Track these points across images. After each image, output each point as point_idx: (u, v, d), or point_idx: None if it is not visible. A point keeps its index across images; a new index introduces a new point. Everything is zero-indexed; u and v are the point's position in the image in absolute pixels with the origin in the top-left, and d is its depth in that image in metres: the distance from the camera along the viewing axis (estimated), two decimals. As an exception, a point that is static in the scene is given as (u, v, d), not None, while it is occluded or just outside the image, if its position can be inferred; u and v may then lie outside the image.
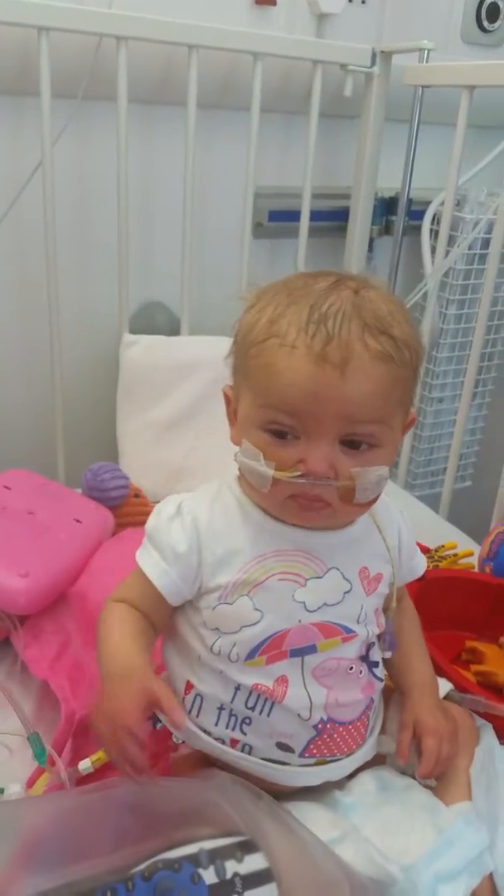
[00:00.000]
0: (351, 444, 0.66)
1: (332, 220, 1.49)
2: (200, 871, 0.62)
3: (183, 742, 0.78)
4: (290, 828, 0.71)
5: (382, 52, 1.32)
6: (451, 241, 1.49)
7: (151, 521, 0.75)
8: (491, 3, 1.45)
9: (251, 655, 0.70)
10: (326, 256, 1.50)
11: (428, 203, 1.51)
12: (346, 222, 1.50)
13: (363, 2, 1.36)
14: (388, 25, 1.39)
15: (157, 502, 0.79)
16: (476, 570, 1.17)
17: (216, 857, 0.63)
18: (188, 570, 0.72)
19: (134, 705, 0.64)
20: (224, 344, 1.42)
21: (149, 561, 0.73)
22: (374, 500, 0.70)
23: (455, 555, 1.21)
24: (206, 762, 0.79)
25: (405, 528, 0.81)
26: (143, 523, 1.14)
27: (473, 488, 1.81)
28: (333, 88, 1.35)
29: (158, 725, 0.78)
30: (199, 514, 0.74)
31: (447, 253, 1.37)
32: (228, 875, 0.62)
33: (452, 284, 1.58)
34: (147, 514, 1.15)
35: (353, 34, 1.35)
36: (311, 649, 0.71)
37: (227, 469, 0.74)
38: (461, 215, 1.50)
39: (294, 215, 1.44)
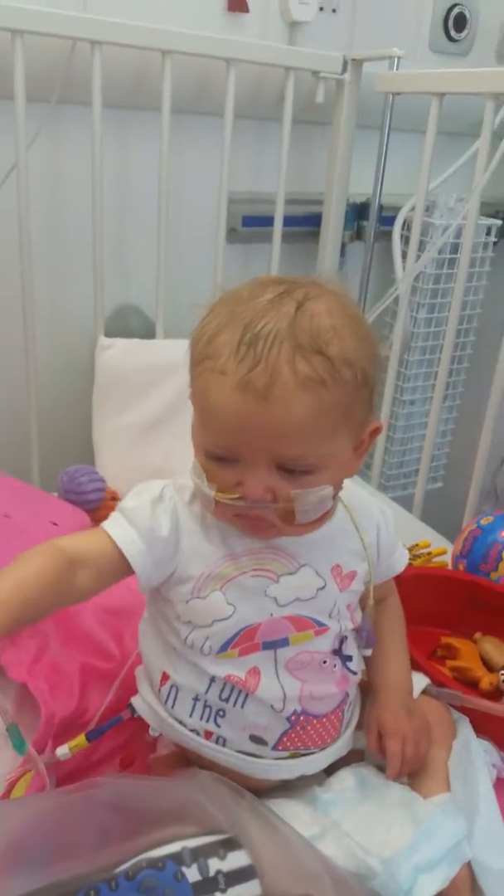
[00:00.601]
0: (287, 469, 0.65)
1: (305, 225, 1.51)
2: (184, 869, 0.62)
3: (159, 735, 0.79)
4: (271, 825, 0.72)
5: (353, 59, 1.34)
6: (422, 246, 1.51)
7: (130, 501, 0.74)
8: (458, 13, 1.48)
9: (224, 648, 0.71)
10: (299, 262, 1.52)
11: (398, 209, 1.53)
12: (319, 228, 1.52)
13: (334, 10, 1.38)
14: (358, 34, 1.42)
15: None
16: (450, 567, 1.19)
17: (199, 854, 0.63)
18: (164, 556, 0.71)
19: None
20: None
21: (125, 536, 0.71)
22: (324, 519, 0.71)
23: (429, 553, 1.23)
24: (184, 762, 0.80)
25: (384, 527, 0.81)
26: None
27: (444, 489, 1.84)
28: (305, 95, 1.37)
29: (136, 714, 0.79)
30: (180, 504, 0.74)
31: (418, 258, 1.39)
32: (211, 872, 0.63)
33: (423, 289, 1.60)
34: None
35: (324, 42, 1.37)
36: (284, 642, 0.72)
37: None
38: (431, 220, 1.52)
39: (267, 220, 1.46)
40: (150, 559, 0.71)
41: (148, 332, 1.43)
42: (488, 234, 1.63)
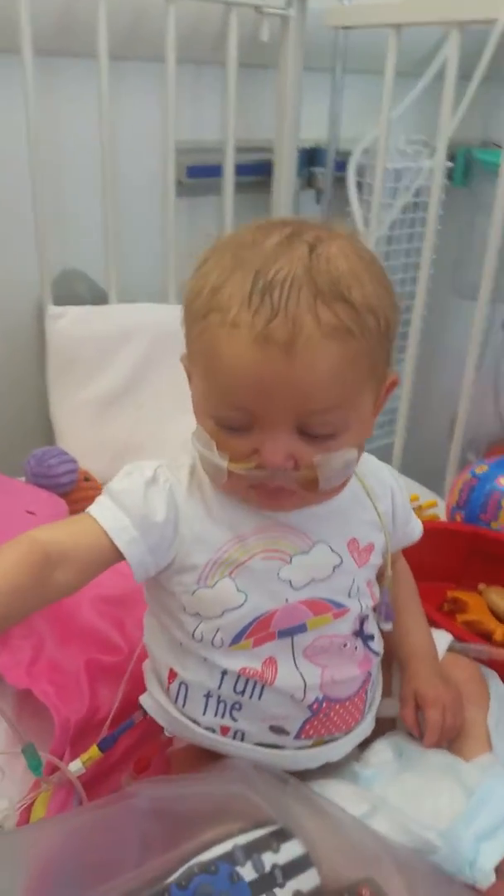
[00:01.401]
0: (308, 433, 0.59)
1: (253, 174, 1.43)
2: (238, 868, 0.58)
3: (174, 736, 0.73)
4: (320, 808, 0.68)
5: (297, -7, 1.26)
6: (372, 190, 1.46)
7: (120, 483, 0.66)
8: None
9: (237, 639, 0.65)
10: (249, 213, 1.44)
11: (348, 153, 1.47)
12: (267, 176, 1.45)
13: None
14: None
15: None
16: (443, 519, 1.17)
17: (252, 851, 0.59)
18: (161, 543, 0.64)
19: None
20: (158, 311, 1.36)
21: (114, 523, 0.63)
22: (346, 483, 0.65)
23: (419, 507, 1.20)
24: (205, 753, 0.75)
25: (398, 492, 0.76)
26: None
27: (409, 440, 1.82)
28: (247, 34, 1.28)
29: (147, 715, 0.73)
30: (177, 485, 0.66)
31: (385, 204, 1.34)
32: (268, 868, 0.58)
33: (378, 236, 1.56)
34: (99, 498, 1.10)
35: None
36: (301, 628, 0.66)
37: (179, 440, 0.66)
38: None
39: (213, 170, 1.37)
40: (144, 548, 0.63)
41: (95, 298, 1.33)
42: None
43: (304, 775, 0.72)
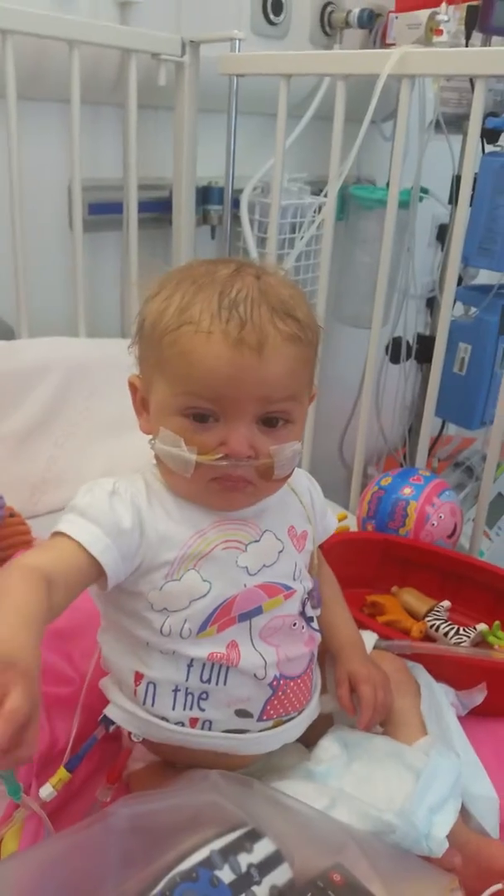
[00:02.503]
0: (267, 422, 0.69)
1: (150, 211, 1.48)
2: (217, 872, 0.62)
3: (141, 741, 0.76)
4: (286, 806, 0.72)
5: (191, 41, 1.33)
6: (262, 227, 1.54)
7: (84, 499, 0.70)
8: (275, -1, 1.52)
9: (203, 627, 0.71)
10: (148, 248, 1.49)
11: (238, 191, 1.55)
12: (165, 213, 1.50)
13: (161, -9, 1.35)
14: (184, 16, 1.40)
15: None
16: (355, 529, 1.25)
17: (228, 854, 0.63)
18: (129, 548, 0.69)
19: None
20: (71, 344, 1.37)
21: (87, 535, 0.67)
22: (290, 475, 0.74)
23: (332, 521, 1.27)
24: (164, 769, 0.78)
25: (314, 489, 0.86)
26: (26, 544, 1.09)
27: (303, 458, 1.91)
28: (144, 79, 1.34)
29: (111, 728, 0.76)
30: (136, 494, 0.72)
31: (295, 239, 1.42)
32: (244, 868, 0.62)
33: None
34: (28, 533, 1.10)
35: (152, 23, 1.35)
36: (258, 611, 0.73)
37: (95, 471, 0.71)
38: (267, 202, 1.56)
39: (113, 207, 1.42)
40: (117, 554, 0.68)
41: (1, 334, 1.33)
42: (317, 211, 1.69)
43: (265, 778, 0.77)
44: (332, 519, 0.90)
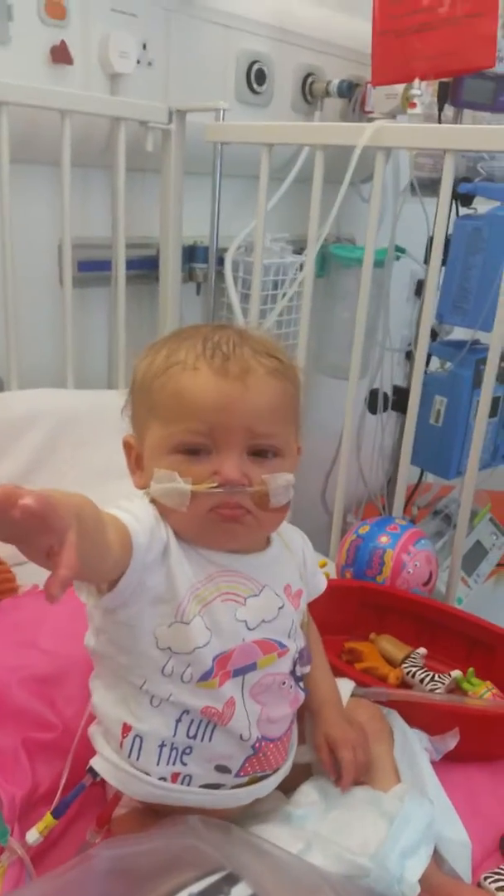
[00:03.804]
0: (257, 453, 0.72)
1: (139, 268, 1.54)
2: None
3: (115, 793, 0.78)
4: (262, 850, 0.74)
5: (178, 110, 1.40)
6: (245, 283, 1.61)
7: (129, 503, 0.71)
8: (258, 69, 1.60)
9: (205, 677, 0.72)
10: (135, 304, 1.54)
11: (223, 250, 1.61)
12: (152, 270, 1.56)
13: (150, 64, 1.43)
14: (172, 86, 1.48)
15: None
16: (334, 577, 1.28)
17: None
18: (153, 563, 0.70)
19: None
20: (59, 396, 1.41)
21: (134, 526, 0.67)
22: (286, 509, 0.76)
23: (311, 569, 1.31)
24: (146, 816, 0.80)
25: (307, 549, 0.88)
26: (11, 591, 1.11)
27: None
28: (133, 144, 1.41)
29: (98, 778, 0.77)
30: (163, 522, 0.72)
31: (278, 296, 1.48)
32: (222, 912, 0.64)
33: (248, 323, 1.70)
34: (12, 580, 1.12)
35: (141, 93, 1.42)
36: (252, 667, 0.75)
37: None
38: (250, 260, 1.62)
39: (101, 265, 1.47)
40: (145, 560, 0.68)
41: (-9, 386, 1.37)
42: (299, 270, 1.76)
43: (243, 823, 0.78)
44: (321, 578, 0.91)
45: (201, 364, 0.70)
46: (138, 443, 0.76)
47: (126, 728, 0.74)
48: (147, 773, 0.74)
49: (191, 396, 0.70)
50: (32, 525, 0.48)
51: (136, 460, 0.77)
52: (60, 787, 0.78)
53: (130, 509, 0.70)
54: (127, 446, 0.78)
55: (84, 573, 0.61)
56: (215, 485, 0.70)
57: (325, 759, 0.84)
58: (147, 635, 0.72)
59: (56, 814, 0.76)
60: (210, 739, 0.73)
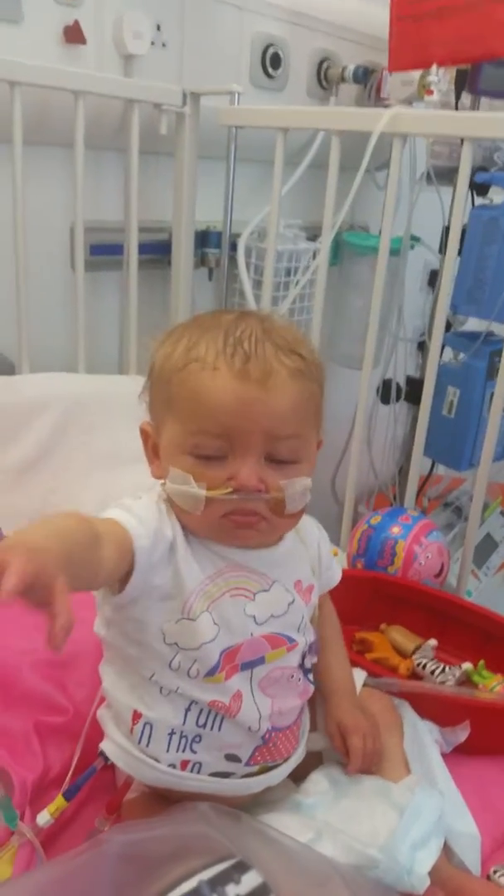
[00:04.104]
0: (275, 459, 0.70)
1: (151, 253, 1.52)
2: None
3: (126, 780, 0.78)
4: (272, 839, 0.74)
5: (192, 93, 1.39)
6: (258, 270, 1.59)
7: (134, 502, 0.71)
8: (273, 53, 1.58)
9: (211, 672, 0.72)
10: (146, 288, 1.53)
11: (236, 235, 1.60)
12: (162, 255, 1.55)
13: (164, 45, 1.41)
14: (186, 68, 1.47)
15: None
16: (347, 567, 1.27)
17: (216, 884, 0.64)
18: (161, 561, 0.70)
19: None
20: (70, 380, 1.40)
21: (136, 529, 0.67)
22: (302, 512, 0.75)
23: (321, 558, 1.30)
24: (158, 799, 0.79)
25: (323, 541, 0.87)
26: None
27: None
28: (146, 127, 1.39)
29: (109, 761, 0.77)
30: (173, 516, 0.73)
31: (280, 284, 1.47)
32: (231, 898, 0.64)
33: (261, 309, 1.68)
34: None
35: (155, 75, 1.40)
36: (261, 661, 0.74)
37: (91, 503, 0.70)
38: (263, 246, 1.61)
39: (114, 249, 1.46)
40: (150, 560, 0.68)
41: (2, 369, 1.36)
42: (313, 257, 1.75)
43: (253, 811, 0.78)
44: (336, 570, 0.90)
45: (221, 363, 0.67)
46: (155, 432, 0.75)
47: (136, 715, 0.74)
48: (157, 760, 0.74)
49: (209, 399, 0.67)
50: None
51: (153, 449, 0.75)
52: (71, 770, 0.78)
53: (134, 509, 0.70)
54: (144, 434, 0.77)
55: (74, 590, 0.59)
56: (230, 490, 0.68)
57: (339, 745, 0.84)
58: (155, 630, 0.72)
59: (67, 796, 0.76)
60: (219, 729, 0.73)
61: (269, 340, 0.69)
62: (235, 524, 0.70)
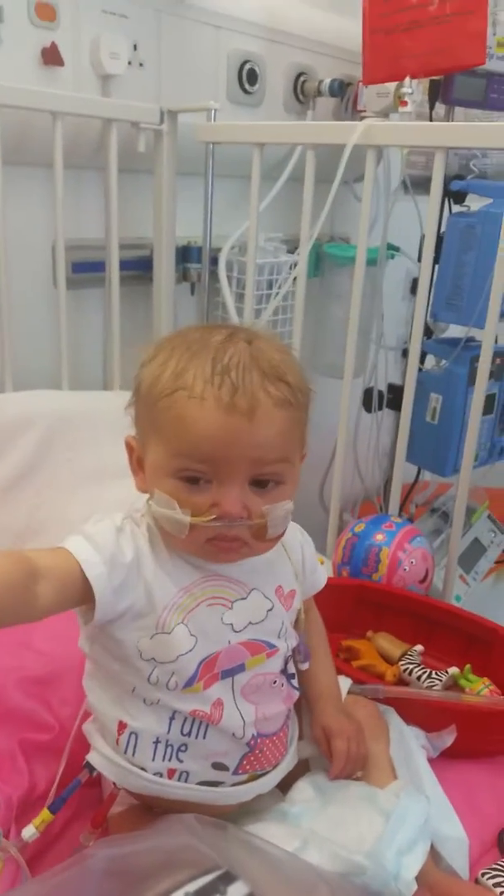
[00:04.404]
0: (259, 483, 0.71)
1: (132, 269, 1.53)
2: None
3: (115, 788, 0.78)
4: (258, 849, 0.74)
5: (170, 111, 1.40)
6: (239, 283, 1.61)
7: (93, 527, 0.73)
8: (249, 69, 1.60)
9: (189, 683, 0.73)
10: (129, 305, 1.54)
11: (217, 250, 1.61)
12: (146, 271, 1.56)
13: (141, 65, 1.43)
14: (164, 87, 1.48)
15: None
16: (331, 575, 1.28)
17: None
18: (125, 583, 0.71)
19: None
20: (54, 397, 1.41)
21: (87, 556, 0.69)
22: (283, 534, 0.76)
23: (307, 567, 1.31)
24: (144, 812, 0.80)
25: (307, 544, 0.88)
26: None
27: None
28: (125, 145, 1.41)
29: (94, 773, 0.78)
30: (139, 536, 0.75)
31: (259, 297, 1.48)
32: (218, 911, 0.64)
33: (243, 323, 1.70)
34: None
35: (133, 94, 1.42)
36: (240, 668, 0.75)
37: (77, 519, 0.72)
38: (244, 260, 1.62)
39: (95, 266, 1.47)
40: (110, 586, 0.69)
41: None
42: (291, 268, 1.76)
43: (239, 821, 0.79)
44: (321, 575, 0.91)
45: (208, 394, 0.68)
46: (139, 446, 0.76)
47: (122, 725, 0.75)
48: (143, 769, 0.74)
49: (195, 428, 0.68)
50: None
51: (138, 462, 0.77)
52: (56, 782, 0.79)
53: (92, 535, 0.71)
54: (128, 447, 0.78)
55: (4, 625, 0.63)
56: (213, 517, 0.69)
57: (325, 750, 0.85)
58: (132, 648, 0.73)
59: (53, 809, 0.76)
60: (204, 737, 0.74)
61: (256, 368, 0.69)
62: (217, 549, 0.72)
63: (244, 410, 0.67)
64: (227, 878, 0.66)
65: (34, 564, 0.65)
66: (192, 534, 0.70)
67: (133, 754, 0.74)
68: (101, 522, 0.73)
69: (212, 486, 0.70)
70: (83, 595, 0.69)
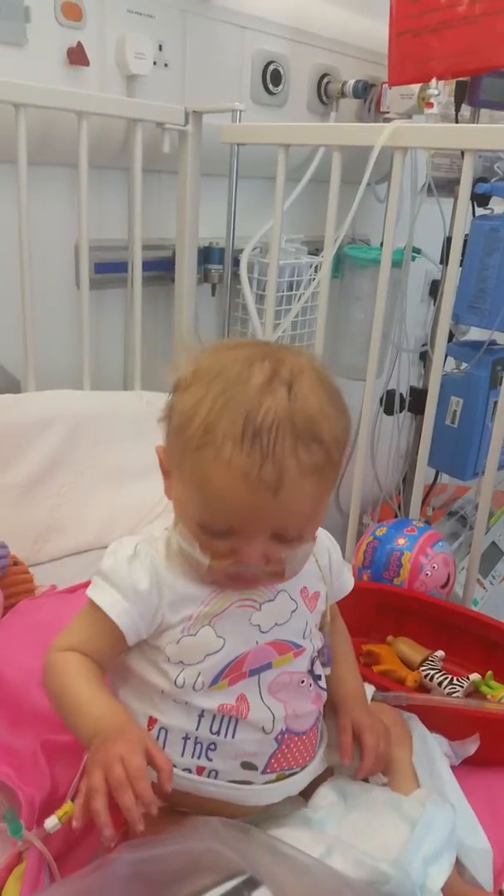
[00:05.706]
0: (282, 538, 0.70)
1: (155, 269, 1.54)
2: None
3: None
4: (283, 854, 0.73)
5: (194, 111, 1.40)
6: (261, 285, 1.60)
7: (107, 562, 0.76)
8: (273, 70, 1.60)
9: (215, 681, 0.74)
10: (150, 305, 1.54)
11: (238, 251, 1.61)
12: (168, 271, 1.56)
13: (166, 65, 1.43)
14: (188, 87, 1.48)
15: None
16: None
17: None
18: (148, 608, 0.74)
19: (137, 752, 0.66)
20: (75, 397, 1.41)
21: (107, 599, 0.74)
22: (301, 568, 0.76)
23: (327, 571, 1.30)
24: (167, 814, 0.79)
25: (334, 549, 0.88)
26: (28, 592, 1.11)
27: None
28: (149, 145, 1.41)
29: None
30: (156, 556, 0.76)
31: (293, 297, 1.48)
32: (242, 915, 0.64)
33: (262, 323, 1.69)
34: (30, 581, 1.13)
35: (158, 95, 1.42)
36: (267, 666, 0.76)
37: (97, 520, 0.73)
38: (265, 261, 1.62)
39: (118, 266, 1.48)
40: (135, 615, 0.73)
41: (7, 387, 1.37)
42: (315, 270, 1.76)
43: (261, 826, 0.78)
44: (348, 578, 0.91)
45: (235, 459, 0.65)
46: (167, 462, 0.75)
47: (151, 721, 0.75)
48: (173, 765, 0.74)
49: (219, 493, 0.67)
50: None
51: (166, 472, 0.76)
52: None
53: (110, 577, 0.75)
54: (158, 455, 0.77)
55: None
56: (232, 562, 0.70)
57: (347, 742, 0.84)
58: (160, 653, 0.75)
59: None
60: (233, 735, 0.74)
61: (290, 429, 0.66)
62: (236, 585, 0.74)
63: (270, 483, 0.65)
64: (252, 884, 0.66)
65: (91, 658, 0.74)
66: (210, 572, 0.72)
67: (163, 749, 0.74)
68: (116, 554, 0.76)
69: (233, 535, 0.70)
70: (119, 634, 0.74)
